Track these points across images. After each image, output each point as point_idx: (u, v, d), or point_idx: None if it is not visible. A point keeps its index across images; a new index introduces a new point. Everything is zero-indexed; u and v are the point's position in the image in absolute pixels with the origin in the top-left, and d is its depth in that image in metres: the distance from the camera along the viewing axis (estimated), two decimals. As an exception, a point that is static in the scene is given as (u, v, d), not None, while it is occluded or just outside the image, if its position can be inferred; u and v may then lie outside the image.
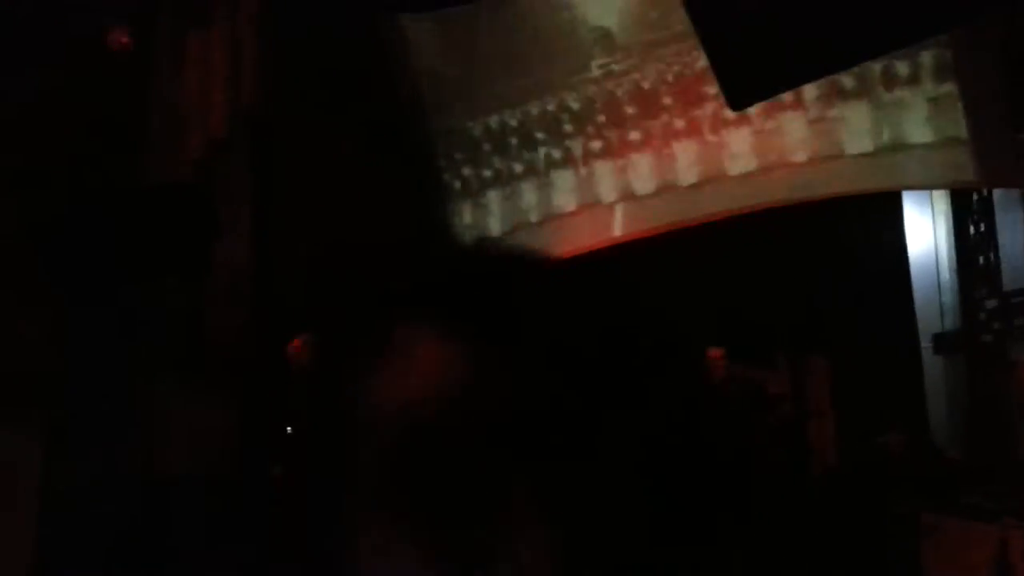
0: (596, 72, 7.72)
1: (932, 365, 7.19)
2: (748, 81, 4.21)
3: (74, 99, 6.22)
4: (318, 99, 7.33)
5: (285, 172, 7.27)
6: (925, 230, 7.30)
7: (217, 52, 6.72)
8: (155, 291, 6.74)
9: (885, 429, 6.96)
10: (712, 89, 6.94)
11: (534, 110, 7.97)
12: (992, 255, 6.68)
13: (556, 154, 7.78)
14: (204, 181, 6.73)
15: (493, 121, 8.19)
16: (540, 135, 7.90)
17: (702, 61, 6.98)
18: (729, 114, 6.64)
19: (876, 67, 6.21)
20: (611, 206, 7.34)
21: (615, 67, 7.72)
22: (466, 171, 8.24)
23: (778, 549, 6.24)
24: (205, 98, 6.69)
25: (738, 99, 4.33)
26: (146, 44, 6.61)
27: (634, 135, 7.42)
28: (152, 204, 6.26)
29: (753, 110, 6.36)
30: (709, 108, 6.97)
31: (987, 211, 6.73)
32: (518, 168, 7.96)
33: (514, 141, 8.01)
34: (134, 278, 6.57)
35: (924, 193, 7.11)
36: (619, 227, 7.25)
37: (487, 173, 8.16)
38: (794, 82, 4.69)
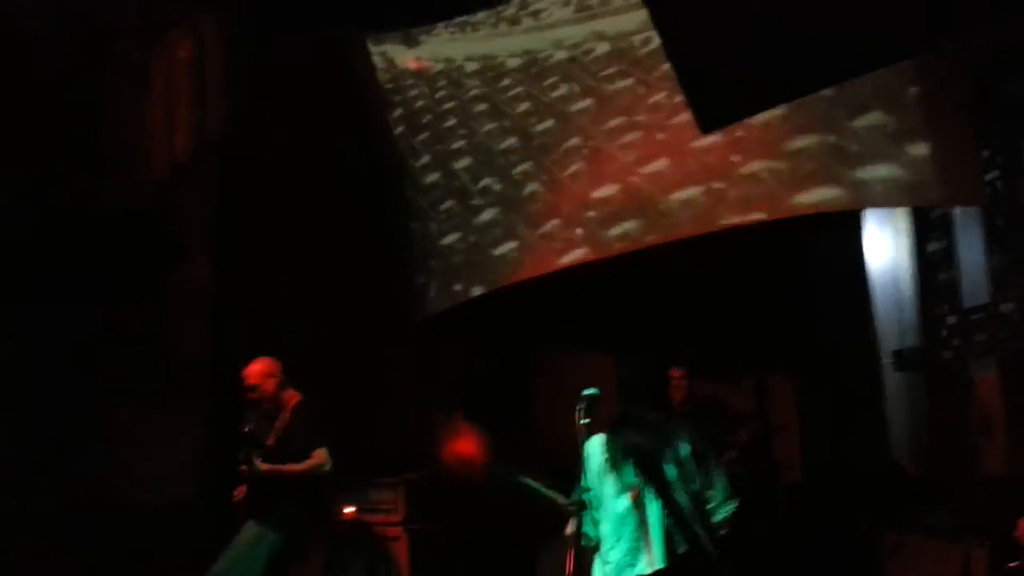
0: (563, 90, 7.77)
1: (893, 382, 7.26)
2: (717, 104, 4.28)
3: (35, 120, 6.14)
4: (286, 122, 7.29)
5: (251, 195, 7.20)
6: (886, 248, 7.38)
7: (181, 74, 6.66)
8: (117, 314, 6.66)
9: (848, 444, 7.04)
10: (657, 113, 7.04)
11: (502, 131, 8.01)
12: (952, 273, 6.75)
13: (525, 174, 7.77)
14: (166, 205, 6.66)
15: (462, 141, 8.21)
16: (508, 156, 7.90)
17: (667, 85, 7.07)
18: (693, 135, 6.65)
19: (838, 89, 6.24)
20: (562, 229, 7.34)
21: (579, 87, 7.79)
22: (437, 192, 8.23)
23: (746, 565, 6.27)
24: (169, 121, 6.63)
25: (708, 122, 4.39)
26: (108, 64, 6.54)
27: (582, 160, 7.45)
28: (110, 230, 6.21)
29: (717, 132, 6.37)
30: (672, 130, 7.00)
31: (947, 229, 6.81)
32: (485, 188, 7.94)
33: (481, 159, 8.01)
34: (91, 302, 6.50)
35: (885, 211, 7.19)
36: (570, 249, 7.26)
37: (455, 194, 8.15)
38: (761, 106, 4.75)
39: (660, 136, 6.97)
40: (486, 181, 7.96)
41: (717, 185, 6.61)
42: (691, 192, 6.72)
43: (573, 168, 7.51)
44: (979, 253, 6.48)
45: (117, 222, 6.43)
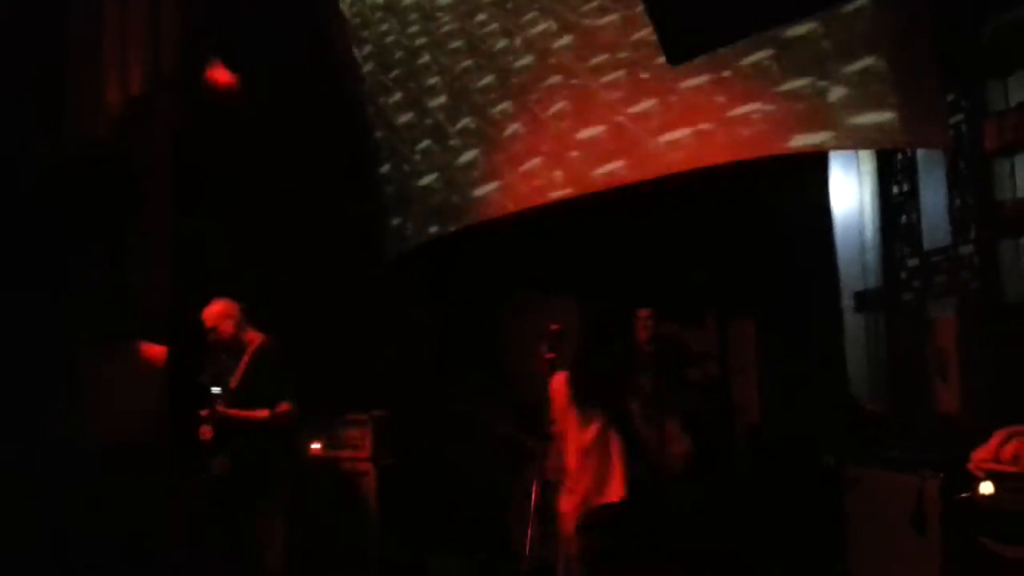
0: (542, 26, 7.64)
1: (854, 322, 7.36)
2: (686, 35, 4.26)
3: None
4: (246, 57, 7.16)
5: (210, 138, 7.07)
6: (850, 190, 7.42)
7: (134, 10, 6.53)
8: (79, 259, 6.55)
9: (805, 385, 7.16)
10: (641, 51, 6.95)
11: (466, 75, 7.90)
12: (914, 215, 6.80)
13: (504, 113, 7.64)
14: (125, 148, 6.54)
15: (436, 78, 8.08)
16: (486, 94, 7.77)
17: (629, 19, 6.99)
18: (679, 75, 6.57)
19: (804, 27, 6.21)
20: (544, 169, 7.27)
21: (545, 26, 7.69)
22: (412, 131, 8.11)
23: (705, 503, 6.40)
24: (123, 56, 6.50)
25: (676, 53, 4.37)
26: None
27: (565, 99, 7.37)
28: (71, 173, 6.10)
29: (683, 69, 6.31)
30: (657, 70, 6.94)
31: (910, 172, 6.85)
32: (464, 128, 7.82)
33: (458, 97, 7.89)
34: (52, 247, 6.39)
35: (850, 153, 7.22)
36: (552, 189, 7.20)
37: (431, 133, 8.04)
38: (729, 37, 4.73)
39: (644, 75, 6.82)
40: (464, 121, 7.79)
41: (705, 127, 6.50)
42: (679, 134, 6.62)
43: (556, 107, 7.36)
44: (941, 196, 6.51)
45: (76, 164, 6.30)
